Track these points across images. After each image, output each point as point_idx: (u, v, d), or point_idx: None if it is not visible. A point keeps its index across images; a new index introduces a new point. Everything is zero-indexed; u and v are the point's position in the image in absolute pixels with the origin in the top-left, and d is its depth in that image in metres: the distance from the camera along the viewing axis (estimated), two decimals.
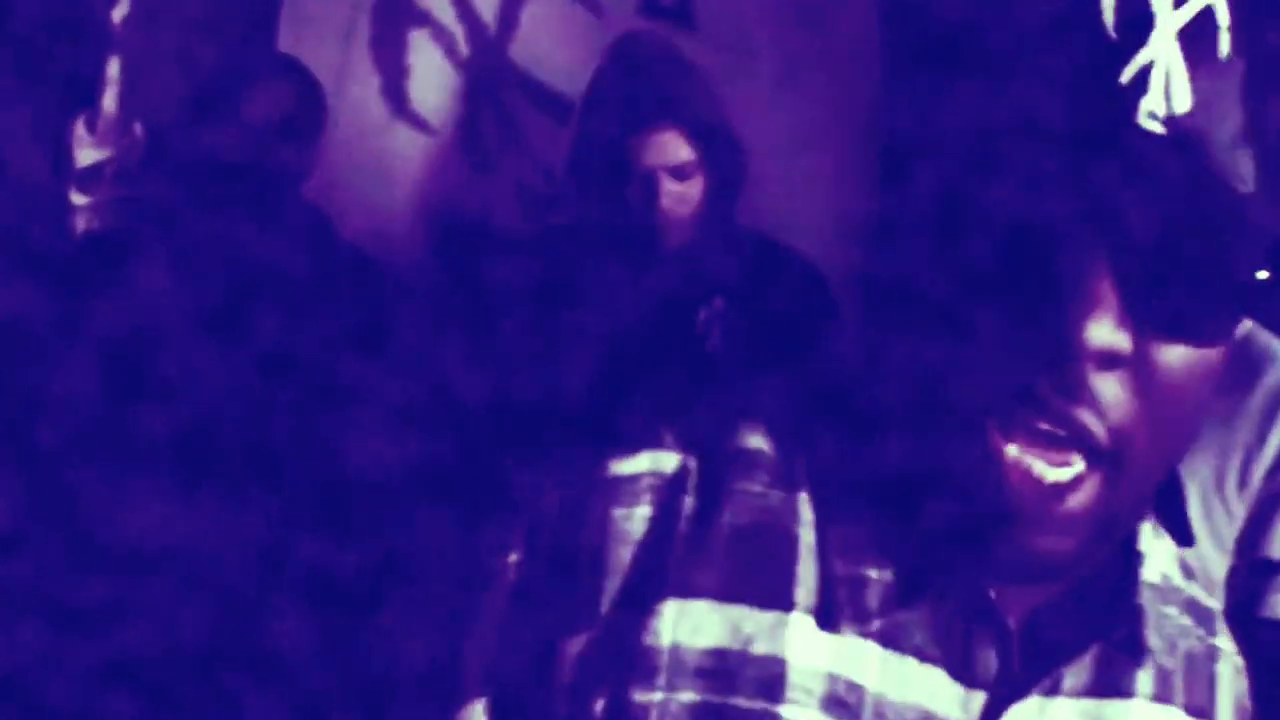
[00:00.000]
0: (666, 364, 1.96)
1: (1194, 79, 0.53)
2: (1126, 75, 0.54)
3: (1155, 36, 0.53)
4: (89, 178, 2.05)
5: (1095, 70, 0.57)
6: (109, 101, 2.07)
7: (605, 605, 0.65)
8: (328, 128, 2.05)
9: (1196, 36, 0.53)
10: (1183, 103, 0.54)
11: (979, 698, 0.64)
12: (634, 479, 0.68)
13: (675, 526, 0.66)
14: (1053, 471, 0.59)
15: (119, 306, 1.89)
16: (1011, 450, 0.59)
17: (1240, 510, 1.42)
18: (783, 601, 0.64)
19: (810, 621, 0.64)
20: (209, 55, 2.48)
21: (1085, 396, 0.58)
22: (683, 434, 0.69)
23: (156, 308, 1.92)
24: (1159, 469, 0.64)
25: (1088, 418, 0.59)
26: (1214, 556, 1.42)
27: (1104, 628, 0.67)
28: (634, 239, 2.06)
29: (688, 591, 0.64)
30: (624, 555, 0.66)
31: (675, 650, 0.64)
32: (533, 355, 1.91)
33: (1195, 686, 0.71)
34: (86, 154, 2.07)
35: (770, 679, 0.63)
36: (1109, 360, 0.58)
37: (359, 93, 2.50)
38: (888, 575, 0.64)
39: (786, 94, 2.91)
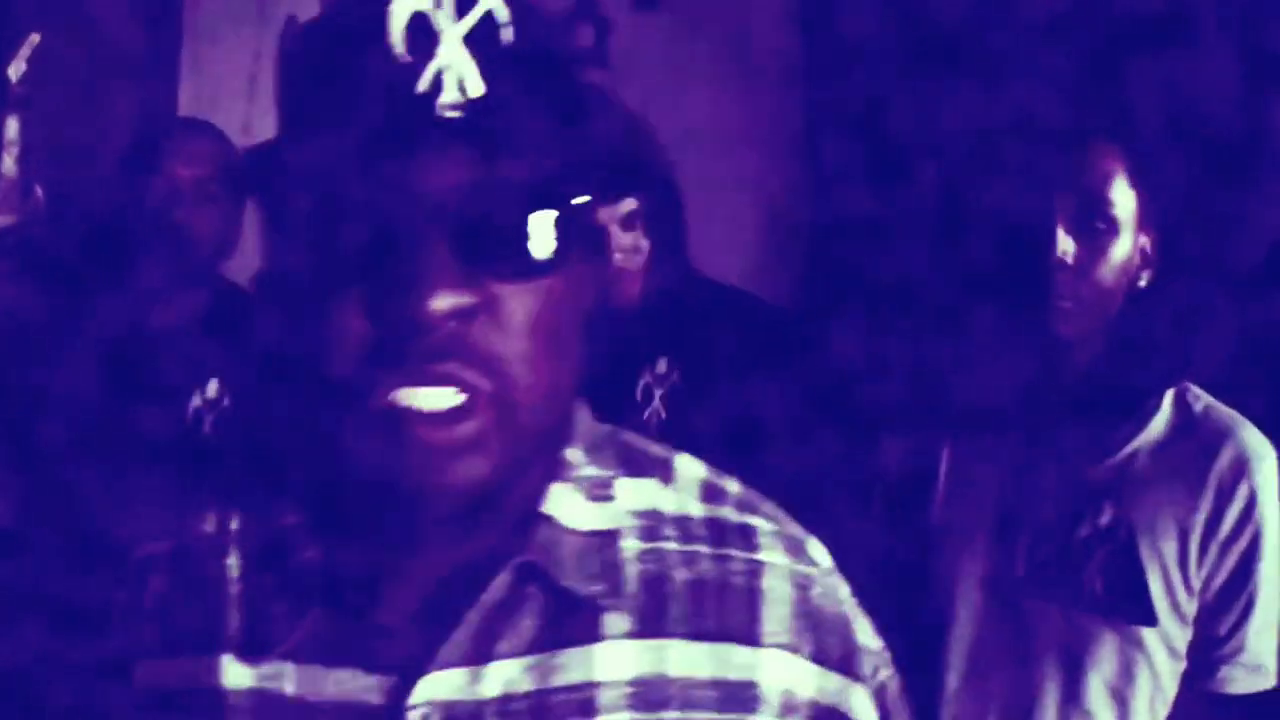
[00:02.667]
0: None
1: (483, 70, 0.67)
2: (422, 84, 0.66)
3: (442, 48, 0.67)
4: None
5: None
6: (9, 165, 2.02)
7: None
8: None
9: (481, 39, 0.68)
10: (476, 89, 0.67)
11: (391, 680, 0.72)
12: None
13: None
14: (436, 400, 0.67)
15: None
16: (397, 403, 0.67)
17: (1198, 585, 1.47)
18: (215, 643, 0.75)
19: (234, 657, 0.74)
20: (111, 113, 2.43)
21: (451, 350, 0.67)
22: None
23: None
24: (545, 395, 0.70)
25: (455, 367, 0.67)
26: (1176, 631, 1.48)
27: (499, 589, 0.72)
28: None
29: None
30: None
31: None
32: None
33: (719, 607, 0.75)
34: None
35: (207, 709, 0.73)
36: (461, 315, 0.66)
37: None
38: (284, 605, 0.74)
39: (710, 102, 2.94)
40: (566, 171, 0.70)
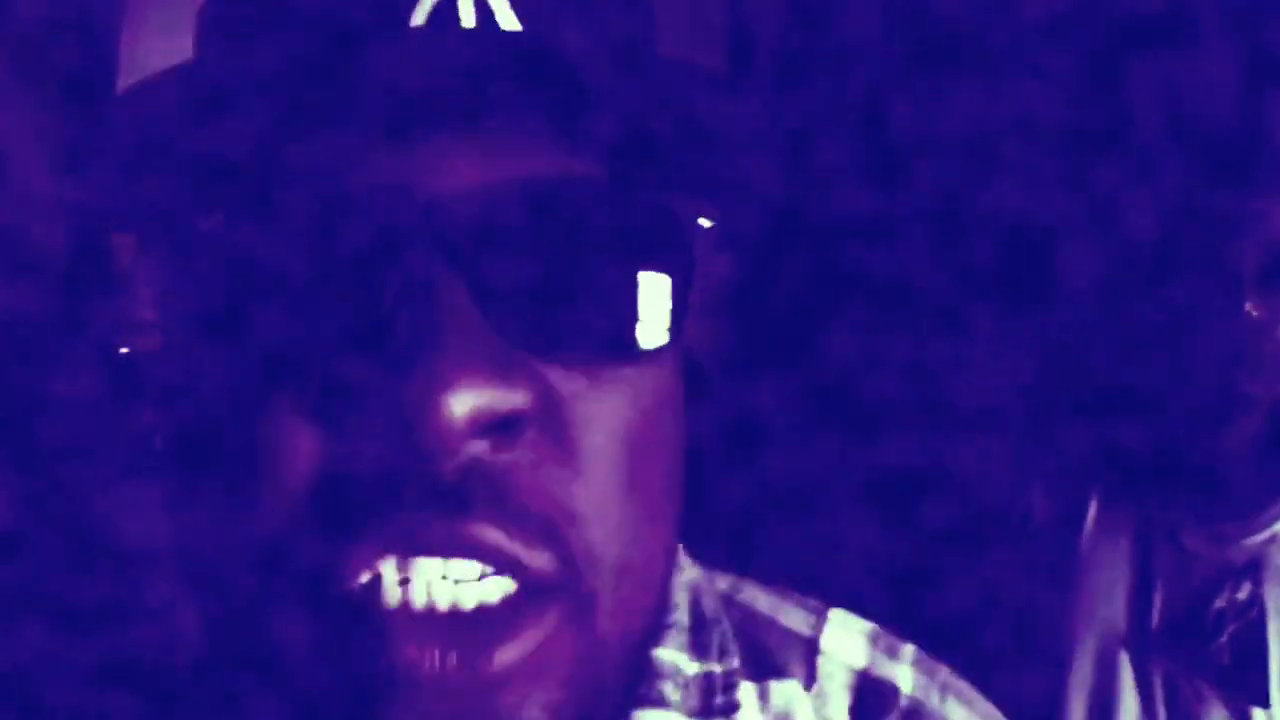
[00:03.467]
0: None
1: None
2: (418, 16, 0.37)
3: None
4: None
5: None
6: None
7: None
8: None
9: None
10: (508, 21, 0.38)
11: None
12: None
13: None
14: (456, 593, 0.37)
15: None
16: (379, 590, 0.39)
17: None
18: None
19: None
20: (41, 132, 2.39)
21: (479, 497, 0.36)
22: None
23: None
24: (640, 573, 0.39)
25: (486, 529, 0.36)
26: (1278, 713, 1.51)
27: None
28: None
29: None
30: None
31: None
32: None
33: None
34: None
35: None
36: (498, 429, 0.35)
37: None
38: None
39: None
40: (668, 170, 0.38)
